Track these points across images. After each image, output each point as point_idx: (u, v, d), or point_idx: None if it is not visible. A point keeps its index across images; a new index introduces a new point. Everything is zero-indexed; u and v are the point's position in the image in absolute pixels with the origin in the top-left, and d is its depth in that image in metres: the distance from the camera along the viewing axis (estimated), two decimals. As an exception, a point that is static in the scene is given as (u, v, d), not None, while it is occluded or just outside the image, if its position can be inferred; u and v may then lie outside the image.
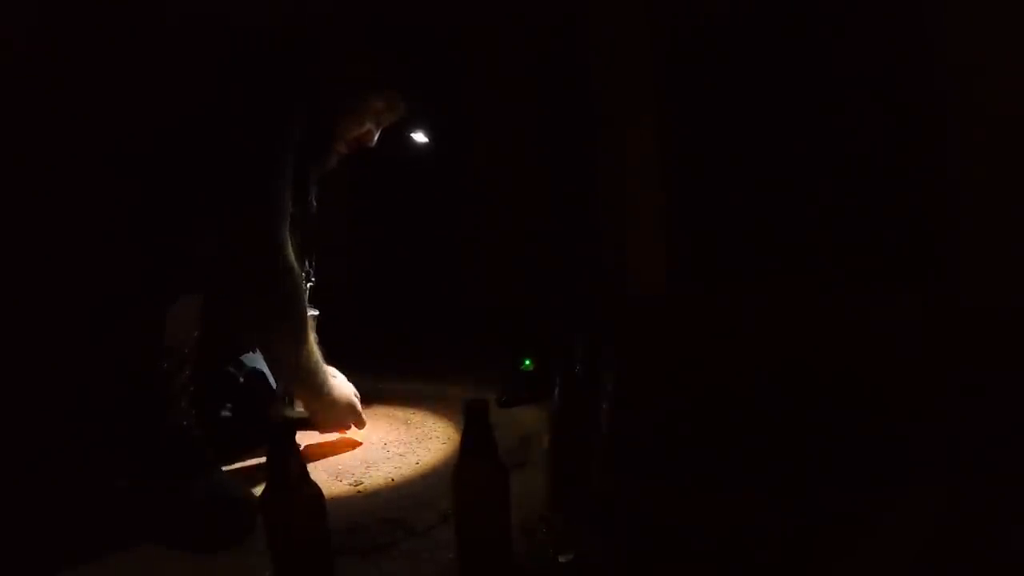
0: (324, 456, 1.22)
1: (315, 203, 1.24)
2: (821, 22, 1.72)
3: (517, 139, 2.48)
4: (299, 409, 1.28)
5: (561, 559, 0.81)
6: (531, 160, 2.47)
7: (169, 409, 0.95)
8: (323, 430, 1.27)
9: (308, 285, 1.29)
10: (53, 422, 0.93)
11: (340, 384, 1.23)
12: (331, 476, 1.12)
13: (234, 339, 1.25)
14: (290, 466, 0.70)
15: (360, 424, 1.27)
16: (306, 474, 0.72)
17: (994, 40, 1.37)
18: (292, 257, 1.07)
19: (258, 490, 0.77)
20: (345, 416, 1.24)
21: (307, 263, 1.26)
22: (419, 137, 1.45)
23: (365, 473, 1.14)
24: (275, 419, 1.27)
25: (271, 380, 1.27)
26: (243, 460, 1.18)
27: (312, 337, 1.15)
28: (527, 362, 1.53)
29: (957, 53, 1.44)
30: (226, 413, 1.20)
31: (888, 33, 1.58)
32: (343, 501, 1.02)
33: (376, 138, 1.27)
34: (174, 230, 0.96)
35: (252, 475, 1.10)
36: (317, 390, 1.17)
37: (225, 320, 1.07)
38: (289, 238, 1.07)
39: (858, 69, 1.65)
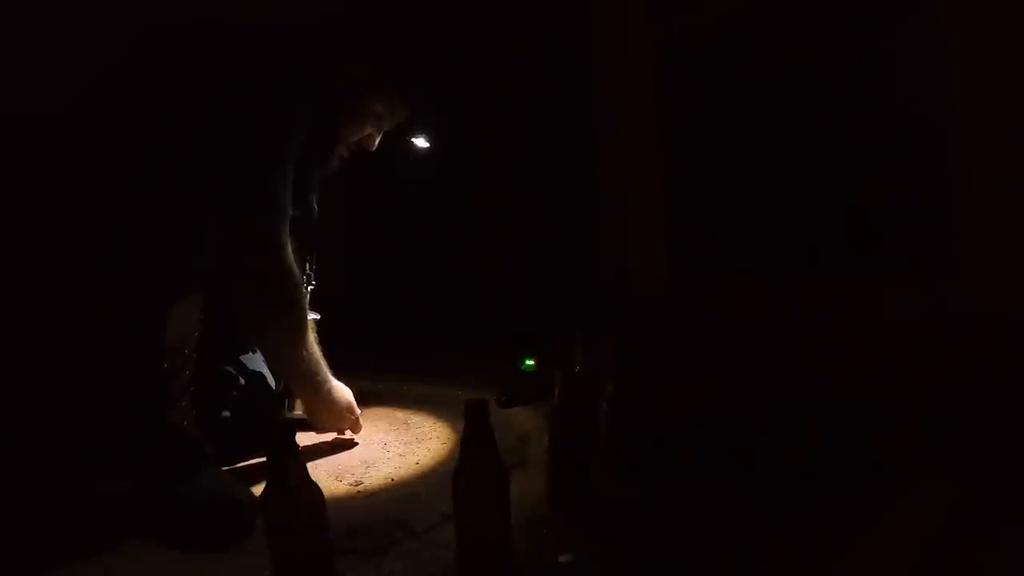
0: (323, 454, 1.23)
1: (316, 206, 1.24)
2: (821, 22, 1.73)
3: (516, 140, 2.48)
4: (297, 413, 1.28)
5: (561, 559, 0.81)
6: (531, 161, 2.47)
7: (169, 409, 0.95)
8: (321, 430, 1.27)
9: (309, 288, 1.29)
10: (54, 422, 0.93)
11: (339, 386, 1.23)
12: (331, 476, 1.12)
13: (234, 339, 1.25)
14: (290, 466, 0.70)
15: (356, 428, 1.28)
16: (306, 474, 0.72)
17: (996, 39, 1.37)
18: (291, 258, 1.07)
19: (258, 490, 0.77)
20: (343, 418, 1.24)
21: (308, 266, 1.26)
22: (420, 142, 1.45)
23: (365, 473, 1.14)
24: (275, 420, 1.26)
25: (270, 381, 1.27)
26: (244, 460, 1.18)
27: (311, 337, 1.15)
28: (527, 362, 1.53)
29: (959, 52, 1.44)
30: (226, 413, 1.20)
31: (889, 32, 1.58)
32: (343, 501, 1.02)
33: (377, 143, 1.27)
34: (175, 230, 0.96)
35: (252, 475, 1.10)
36: (316, 389, 1.17)
37: (225, 320, 1.07)
38: (289, 240, 1.07)
39: (858, 68, 1.65)
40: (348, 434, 1.29)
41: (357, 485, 1.09)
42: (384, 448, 1.26)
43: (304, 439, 1.26)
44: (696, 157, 2.10)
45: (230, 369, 1.22)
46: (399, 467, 1.16)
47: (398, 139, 1.37)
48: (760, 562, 0.80)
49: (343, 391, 1.23)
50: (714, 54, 2.00)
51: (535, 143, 2.45)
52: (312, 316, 1.28)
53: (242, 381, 1.22)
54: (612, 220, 2.36)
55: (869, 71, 1.63)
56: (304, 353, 1.13)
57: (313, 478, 0.72)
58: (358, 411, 1.27)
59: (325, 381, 1.18)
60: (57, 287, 0.91)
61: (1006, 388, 1.22)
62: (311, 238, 1.26)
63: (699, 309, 2.06)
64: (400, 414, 1.47)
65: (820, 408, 1.32)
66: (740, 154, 1.98)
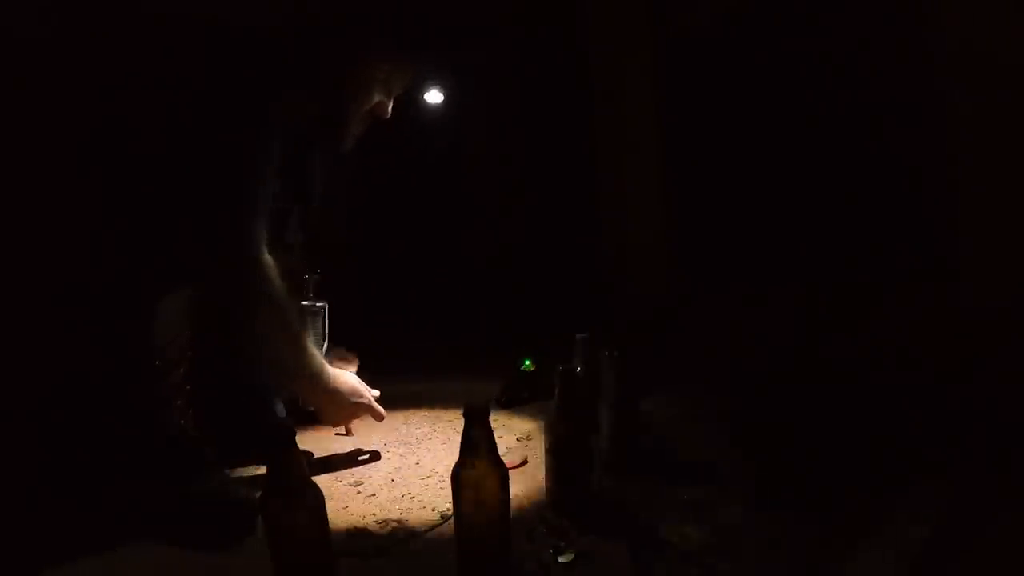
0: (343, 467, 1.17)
1: (321, 189, 1.21)
2: (821, 23, 1.72)
3: (518, 139, 2.48)
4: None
5: (561, 559, 0.81)
6: (532, 161, 2.47)
7: (165, 409, 0.94)
8: (326, 423, 1.20)
9: (314, 277, 1.26)
10: (50, 421, 0.93)
11: (341, 375, 1.15)
12: (331, 476, 1.12)
13: (231, 339, 1.22)
14: (290, 467, 0.70)
15: (376, 415, 1.19)
16: (306, 475, 0.72)
17: (994, 39, 1.37)
18: (264, 250, 1.01)
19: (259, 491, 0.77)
20: (350, 408, 1.16)
21: (312, 255, 1.24)
22: (432, 96, 1.40)
23: (365, 473, 1.14)
24: (277, 422, 1.25)
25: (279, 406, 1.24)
26: (245, 462, 1.18)
27: (297, 326, 1.07)
28: (527, 362, 1.53)
29: (957, 52, 1.44)
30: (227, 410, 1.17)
31: (888, 33, 1.58)
32: (343, 501, 1.02)
33: (390, 108, 1.20)
34: (156, 226, 0.94)
35: (254, 476, 1.10)
36: (311, 381, 1.10)
37: (211, 317, 1.03)
38: (265, 231, 1.02)
39: (858, 69, 1.65)
40: (373, 441, 1.24)
41: (357, 485, 1.09)
42: (384, 448, 1.26)
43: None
44: (695, 156, 2.10)
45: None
46: (399, 467, 1.16)
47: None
48: (759, 561, 0.80)
49: (345, 378, 1.16)
50: (714, 53, 2.00)
51: (536, 142, 2.44)
52: (319, 304, 1.26)
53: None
54: (612, 219, 2.36)
55: (870, 70, 1.64)
56: (286, 343, 1.05)
57: (313, 478, 0.72)
58: (371, 393, 1.19)
59: (319, 372, 1.10)
60: (39, 288, 0.91)
61: (1006, 387, 1.22)
62: (314, 226, 1.24)
63: (699, 310, 2.06)
64: (400, 414, 1.47)
65: (821, 409, 1.33)
66: (740, 153, 1.98)
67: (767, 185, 1.90)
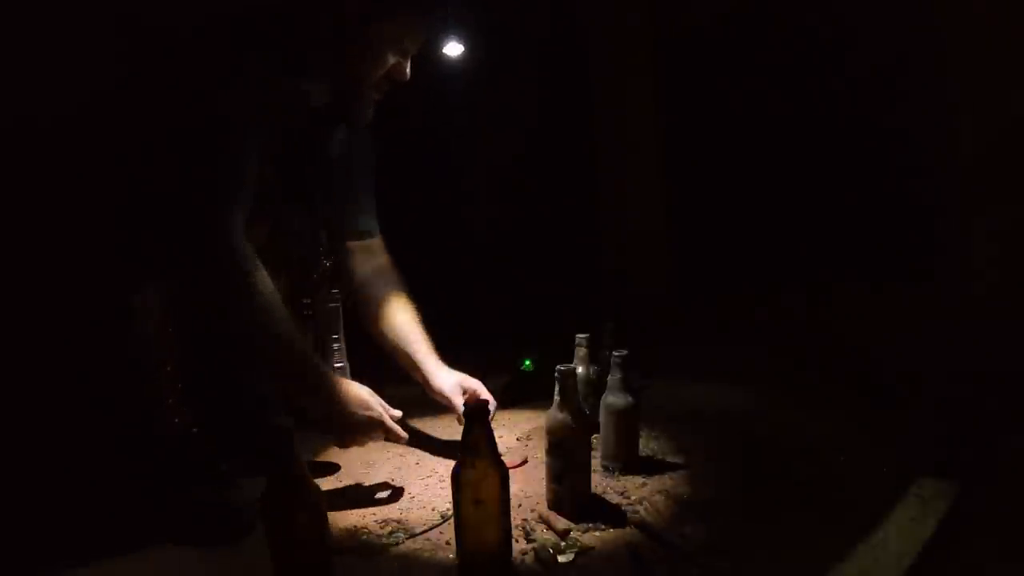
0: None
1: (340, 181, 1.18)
2: (820, 23, 1.73)
3: (518, 139, 2.48)
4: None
5: (561, 559, 0.81)
6: (532, 161, 2.47)
7: (157, 408, 0.94)
8: (333, 439, 1.07)
9: (327, 263, 1.23)
10: (48, 421, 0.93)
11: (351, 385, 1.04)
12: (331, 476, 1.12)
13: (219, 338, 1.18)
14: (290, 467, 0.70)
15: (394, 437, 1.04)
16: (306, 475, 0.72)
17: (994, 39, 1.37)
18: (244, 242, 0.94)
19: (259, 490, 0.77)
20: (361, 424, 1.01)
21: (322, 243, 1.21)
22: (451, 49, 1.32)
23: (365, 474, 1.14)
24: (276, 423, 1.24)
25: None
26: (245, 461, 1.18)
27: (289, 329, 0.96)
28: (527, 362, 1.54)
29: (958, 53, 1.44)
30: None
31: (888, 33, 1.58)
32: (343, 501, 1.02)
33: (408, 70, 1.10)
34: (136, 222, 0.94)
35: (254, 476, 1.10)
36: (309, 389, 0.98)
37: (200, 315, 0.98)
38: (244, 222, 0.95)
39: (858, 69, 1.65)
40: (391, 476, 1.13)
41: (357, 485, 1.09)
42: (384, 448, 1.26)
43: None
44: (695, 156, 2.10)
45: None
46: (399, 467, 1.16)
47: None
48: (756, 560, 0.80)
49: (355, 389, 1.03)
50: (714, 53, 2.00)
51: (538, 141, 2.44)
52: (335, 293, 1.21)
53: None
54: (612, 219, 2.36)
55: (871, 70, 1.64)
56: (279, 348, 0.96)
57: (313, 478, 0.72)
58: (387, 412, 1.05)
59: (320, 377, 0.99)
60: (23, 286, 0.90)
61: (1006, 385, 1.22)
62: (321, 210, 1.21)
63: (700, 309, 2.06)
64: (400, 414, 1.46)
65: (823, 410, 1.32)
66: (740, 153, 1.98)
67: (767, 185, 1.90)
